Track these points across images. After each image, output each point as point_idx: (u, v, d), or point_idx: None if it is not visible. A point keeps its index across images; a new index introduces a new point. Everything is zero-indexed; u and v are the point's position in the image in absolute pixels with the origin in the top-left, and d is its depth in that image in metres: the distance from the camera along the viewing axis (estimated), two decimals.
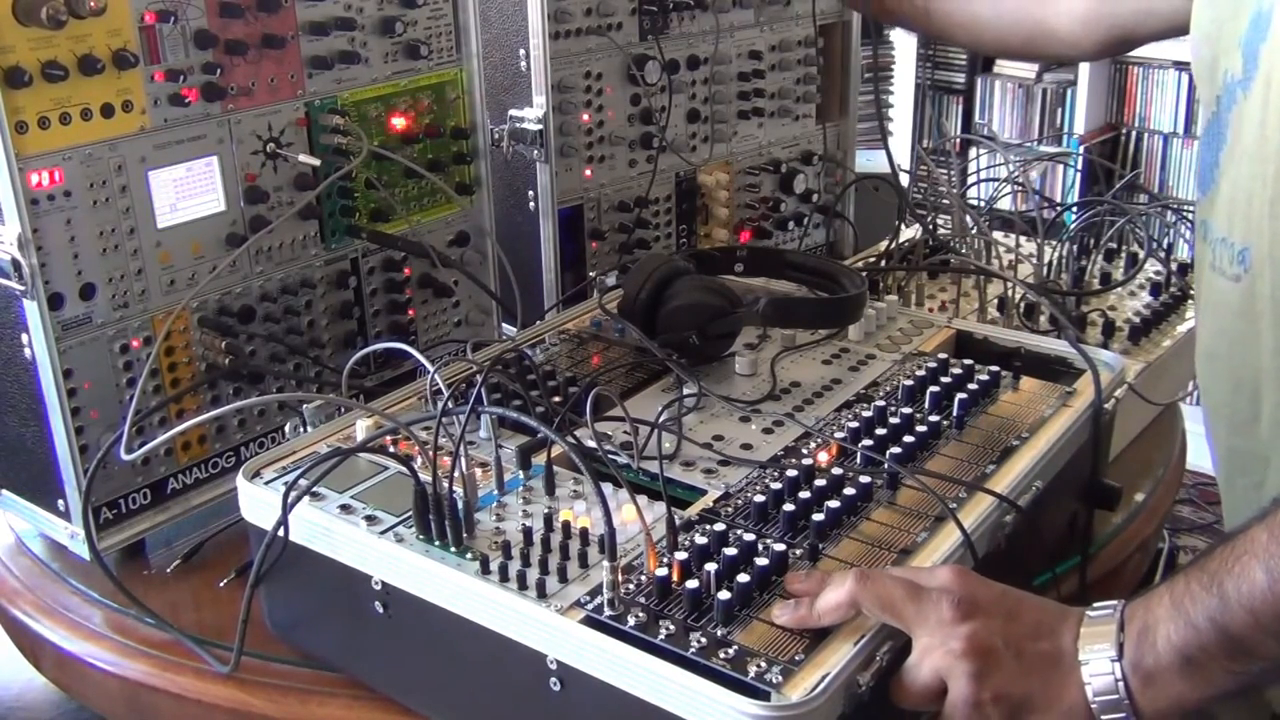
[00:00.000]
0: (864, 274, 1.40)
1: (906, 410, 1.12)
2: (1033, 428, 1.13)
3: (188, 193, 1.23)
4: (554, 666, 0.86)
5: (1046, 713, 0.85)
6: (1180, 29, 1.33)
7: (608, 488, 0.95)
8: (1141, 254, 1.68)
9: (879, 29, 1.73)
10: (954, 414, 1.13)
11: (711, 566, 0.89)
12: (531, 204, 1.54)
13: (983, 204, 1.92)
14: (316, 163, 1.31)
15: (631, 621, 0.86)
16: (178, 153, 1.21)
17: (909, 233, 1.69)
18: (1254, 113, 1.06)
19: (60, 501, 1.20)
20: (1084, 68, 3.43)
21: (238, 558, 1.19)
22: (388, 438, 1.09)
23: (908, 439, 1.07)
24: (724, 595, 0.86)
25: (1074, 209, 1.79)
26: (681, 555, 0.91)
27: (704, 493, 1.03)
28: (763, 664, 0.82)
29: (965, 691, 0.84)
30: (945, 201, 2.10)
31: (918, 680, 0.86)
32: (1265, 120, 1.04)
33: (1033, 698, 0.85)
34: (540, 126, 1.49)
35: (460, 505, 0.96)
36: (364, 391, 1.30)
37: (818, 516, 0.96)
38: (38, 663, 1.25)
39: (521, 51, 1.48)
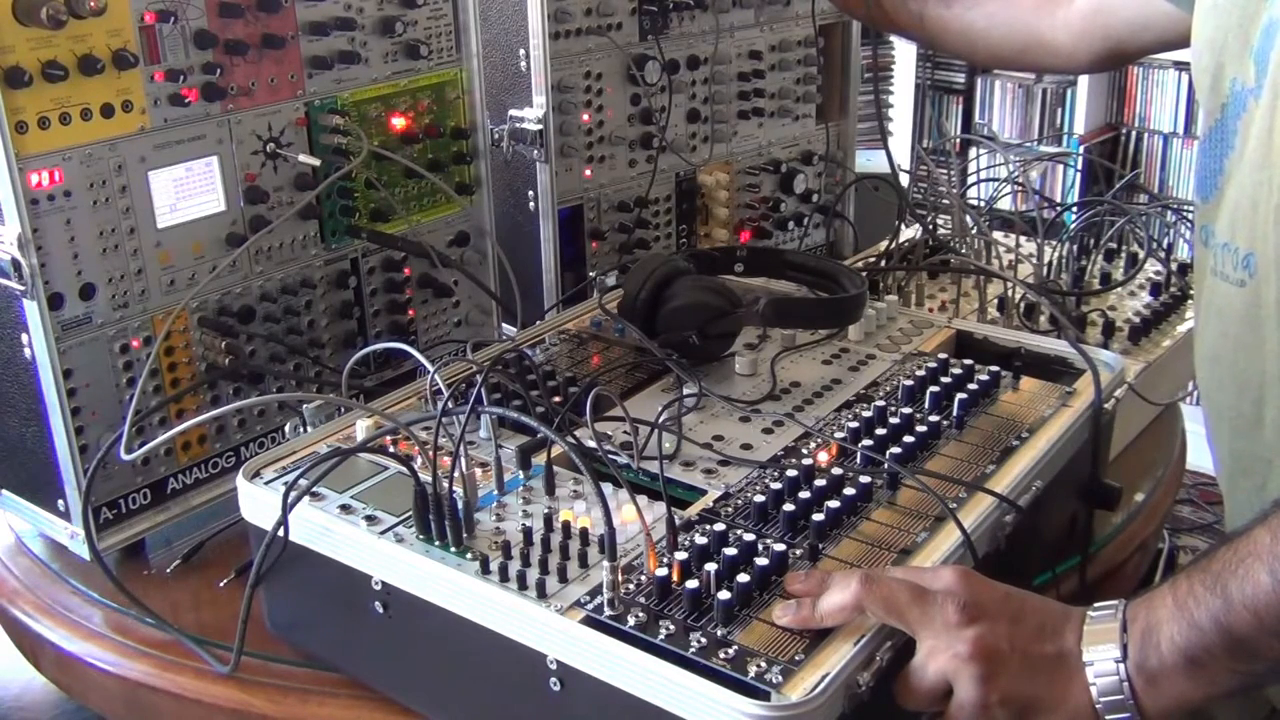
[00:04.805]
0: (864, 274, 1.40)
1: (906, 410, 1.12)
2: (1033, 428, 1.13)
3: (188, 193, 1.23)
4: (554, 666, 0.86)
5: (1052, 713, 0.86)
6: (1173, 43, 1.33)
7: (608, 488, 0.95)
8: (1141, 254, 1.68)
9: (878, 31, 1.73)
10: (954, 414, 1.13)
11: (711, 566, 0.89)
12: (531, 204, 1.54)
13: (983, 204, 1.92)
14: (316, 163, 1.31)
15: (631, 621, 0.86)
16: (178, 153, 1.21)
17: (909, 233, 1.69)
18: (1263, 120, 1.06)
19: (60, 501, 1.20)
20: None
21: (238, 558, 1.19)
22: (388, 438, 1.09)
23: (908, 439, 1.07)
24: (724, 595, 0.86)
25: (1074, 209, 1.79)
26: (681, 555, 0.91)
27: (704, 493, 1.03)
28: (763, 664, 0.82)
29: (972, 694, 0.84)
30: (945, 201, 2.10)
31: (923, 682, 0.86)
32: (1273, 127, 1.04)
33: (1039, 699, 0.86)
34: (540, 126, 1.49)
35: (460, 505, 0.96)
36: (364, 391, 1.30)
37: (818, 516, 0.96)
38: (38, 663, 1.25)
39: (521, 51, 1.48)
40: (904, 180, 1.79)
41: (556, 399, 1.17)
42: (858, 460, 1.07)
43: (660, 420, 1.09)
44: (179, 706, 1.09)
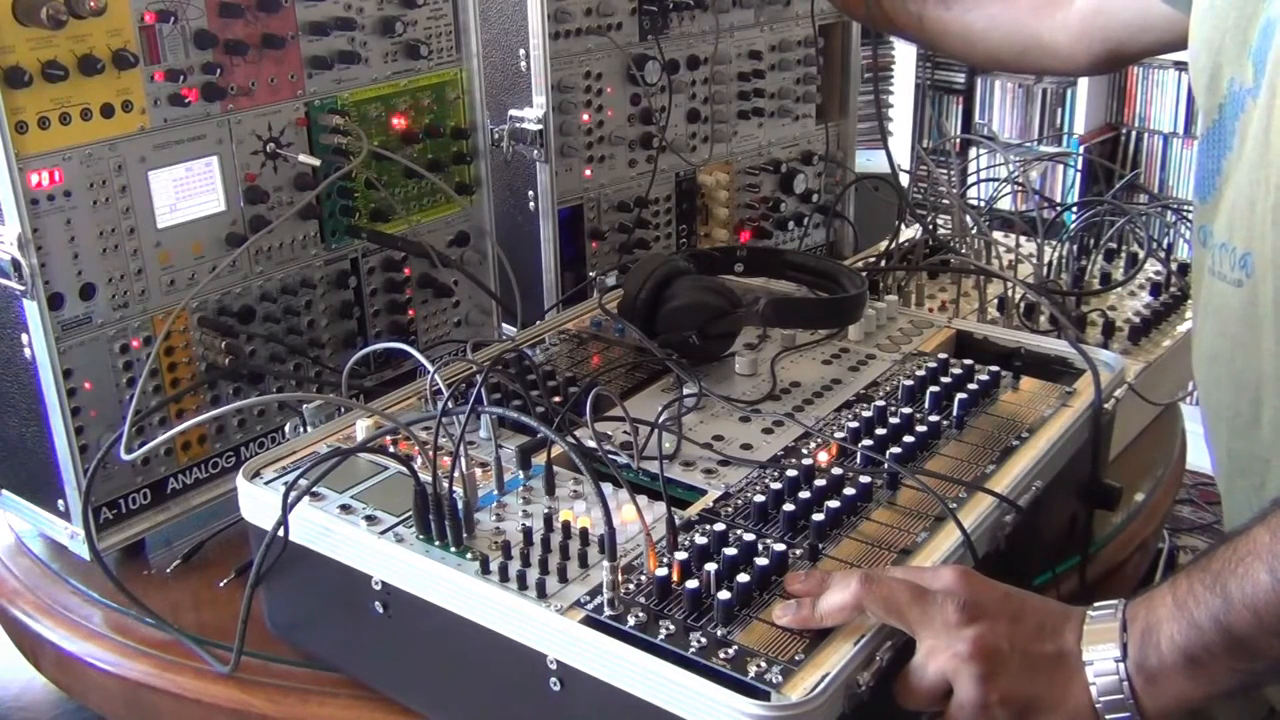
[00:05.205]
0: (864, 274, 1.40)
1: (906, 410, 1.12)
2: (1033, 428, 1.13)
3: (188, 193, 1.23)
4: (554, 666, 0.86)
5: (1052, 713, 0.86)
6: (1172, 44, 1.33)
7: (608, 488, 0.95)
8: (1141, 254, 1.68)
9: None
10: (954, 414, 1.13)
11: (711, 566, 0.89)
12: (531, 204, 1.54)
13: (983, 204, 1.92)
14: (316, 163, 1.31)
15: (631, 621, 0.86)
16: (178, 153, 1.21)
17: (909, 233, 1.69)
18: (1260, 119, 1.06)
19: (60, 501, 1.20)
20: None
21: (238, 558, 1.19)
22: (388, 438, 1.09)
23: (908, 439, 1.07)
24: (724, 595, 0.86)
25: (1074, 209, 1.79)
26: (681, 555, 0.91)
27: (704, 493, 1.03)
28: (763, 664, 0.82)
29: (972, 694, 0.84)
30: (945, 201, 2.10)
31: (923, 682, 0.86)
32: (1269, 127, 1.05)
33: (1039, 698, 0.86)
34: (540, 126, 1.49)
35: (460, 505, 0.96)
36: (364, 391, 1.30)
37: (818, 516, 0.96)
38: (38, 663, 1.25)
39: (521, 51, 1.48)
40: (904, 180, 1.79)
41: (556, 399, 1.17)
42: (858, 460, 1.07)
43: (660, 420, 1.09)
44: (179, 706, 1.09)
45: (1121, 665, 0.85)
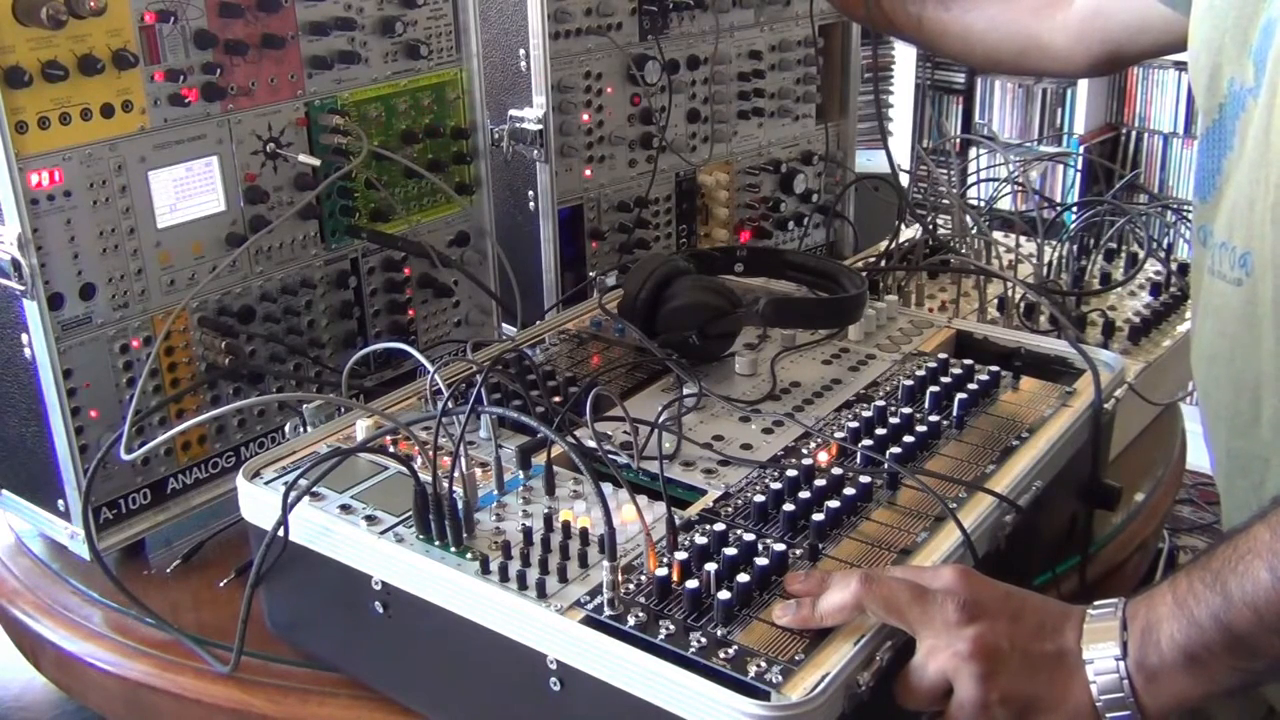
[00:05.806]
0: (864, 274, 1.40)
1: (906, 410, 1.12)
2: (1033, 428, 1.13)
3: (188, 193, 1.23)
4: (554, 666, 0.86)
5: (1053, 712, 0.86)
6: (1171, 46, 1.33)
7: (608, 488, 0.95)
8: (1141, 254, 1.68)
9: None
10: (954, 414, 1.13)
11: (711, 566, 0.89)
12: (531, 204, 1.55)
13: (983, 204, 1.92)
14: (316, 163, 1.31)
15: (631, 621, 0.86)
16: (178, 153, 1.21)
17: (909, 233, 1.69)
18: (1260, 119, 1.06)
19: (60, 501, 1.20)
20: None
21: (238, 558, 1.19)
22: (388, 438, 1.09)
23: (908, 439, 1.07)
24: (724, 595, 0.86)
25: (1074, 209, 1.79)
26: (681, 555, 0.91)
27: (704, 493, 1.03)
28: (763, 664, 0.82)
29: (972, 693, 0.84)
30: (945, 201, 2.10)
31: (923, 681, 0.86)
32: (1270, 126, 1.05)
33: (1039, 697, 0.86)
34: (540, 126, 1.49)
35: (460, 505, 0.96)
36: (364, 391, 1.30)
37: (818, 516, 0.96)
38: (38, 663, 1.25)
39: (521, 51, 1.48)
40: (904, 180, 1.79)
41: (556, 399, 1.17)
42: (858, 460, 1.07)
43: (660, 420, 1.09)
44: (179, 706, 1.09)
45: (1121, 664, 0.85)
